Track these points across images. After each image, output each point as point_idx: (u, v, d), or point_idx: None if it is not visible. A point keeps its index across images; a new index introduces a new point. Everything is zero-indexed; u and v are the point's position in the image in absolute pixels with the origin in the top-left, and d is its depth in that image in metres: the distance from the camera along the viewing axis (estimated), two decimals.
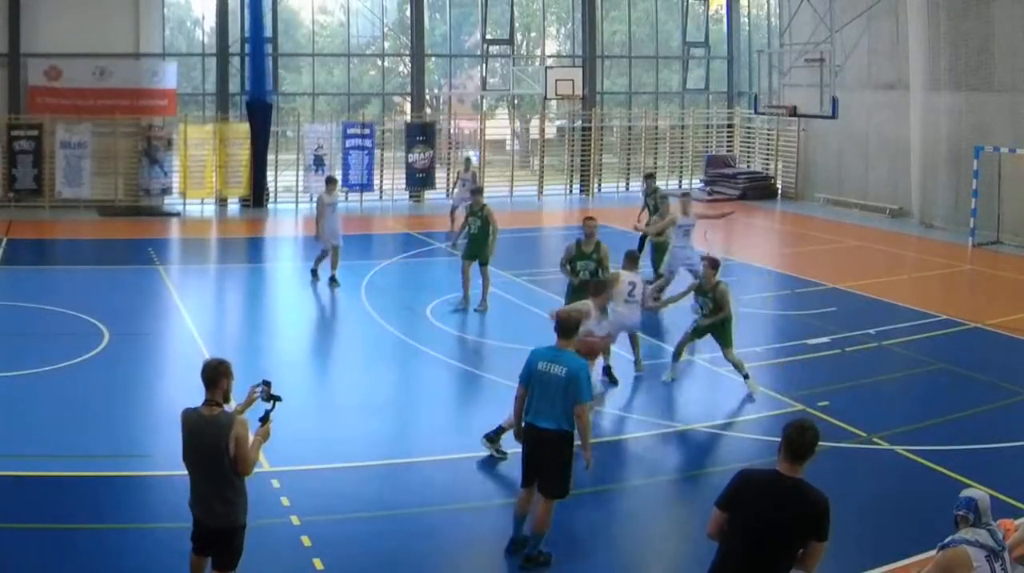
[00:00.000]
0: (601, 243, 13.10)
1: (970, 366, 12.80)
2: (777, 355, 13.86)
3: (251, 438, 6.46)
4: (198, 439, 6.45)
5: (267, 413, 6.61)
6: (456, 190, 23.63)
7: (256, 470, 9.02)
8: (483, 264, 16.04)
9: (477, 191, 17.02)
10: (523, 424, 7.79)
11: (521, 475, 7.87)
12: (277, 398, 6.66)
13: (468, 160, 24.70)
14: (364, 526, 8.49)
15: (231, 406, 6.66)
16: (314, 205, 20.09)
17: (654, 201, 19.71)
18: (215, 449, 6.34)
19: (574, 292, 12.80)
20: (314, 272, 18.02)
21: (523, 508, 7.91)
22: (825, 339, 14.30)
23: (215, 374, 6.45)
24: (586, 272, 12.90)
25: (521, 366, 7.89)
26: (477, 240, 16.05)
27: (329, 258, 17.68)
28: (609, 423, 10.89)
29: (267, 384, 6.71)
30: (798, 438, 5.40)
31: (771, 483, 5.41)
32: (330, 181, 18.60)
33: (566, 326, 7.77)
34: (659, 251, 16.94)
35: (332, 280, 17.61)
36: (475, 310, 15.93)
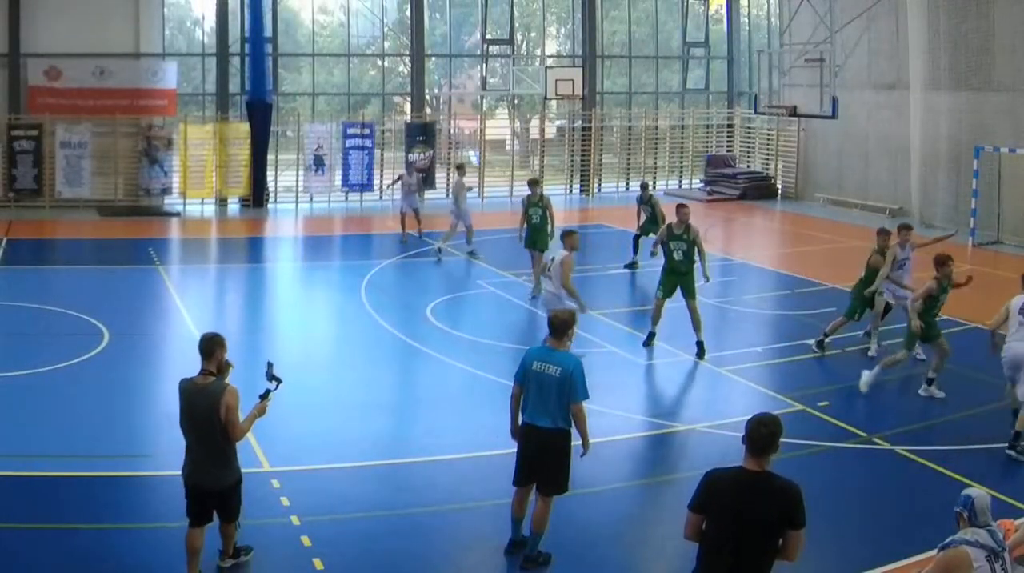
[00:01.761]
0: (691, 226, 13.80)
1: (970, 366, 12.79)
2: (777, 355, 13.85)
3: (246, 409, 7.04)
4: (192, 406, 7.00)
5: (267, 391, 7.18)
6: (402, 191, 22.56)
7: (256, 470, 9.11)
8: (541, 251, 16.90)
9: (535, 183, 18.13)
10: (521, 423, 7.80)
11: (514, 474, 7.87)
12: (279, 379, 7.21)
13: (461, 166, 24.35)
14: (364, 526, 8.49)
15: (226, 377, 7.18)
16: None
17: (650, 207, 19.85)
18: (207, 416, 6.89)
19: (670, 273, 13.72)
20: (439, 250, 20.33)
21: (519, 509, 7.92)
22: (825, 339, 14.29)
23: (209, 345, 7.10)
24: (679, 252, 13.66)
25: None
26: (539, 229, 17.23)
27: (466, 234, 20.28)
28: (609, 423, 10.88)
29: (270, 365, 7.26)
30: (755, 433, 5.48)
31: (739, 480, 5.47)
32: (462, 167, 21.78)
33: (558, 326, 7.77)
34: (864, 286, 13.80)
35: (472, 254, 20.25)
36: (532, 296, 16.66)
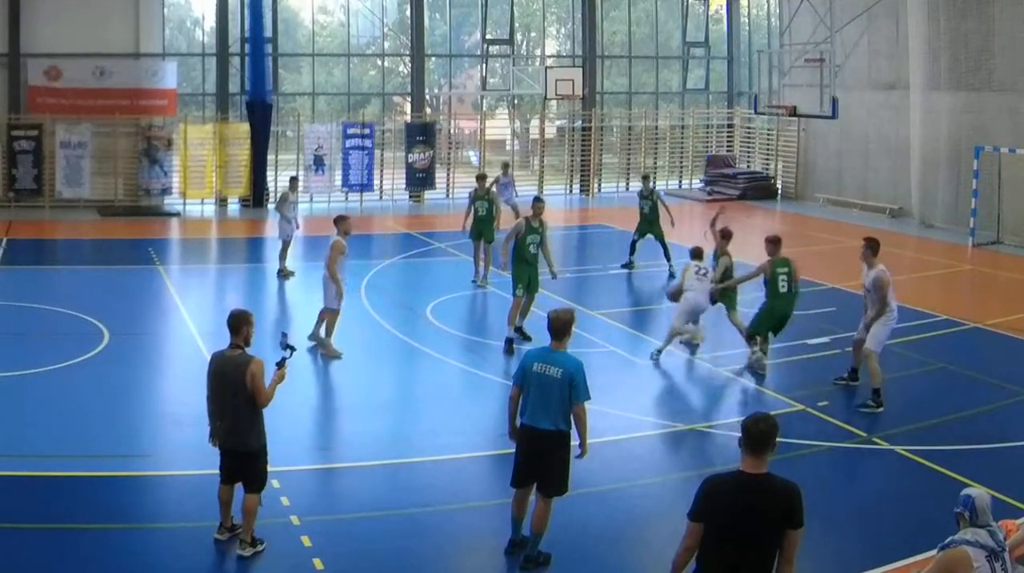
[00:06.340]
0: (544, 221, 14.19)
1: (970, 366, 12.79)
2: (777, 355, 13.83)
3: (268, 378, 7.68)
4: (221, 375, 7.72)
5: (283, 359, 7.79)
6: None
7: None
8: (488, 242, 17.93)
9: (483, 178, 19.03)
10: (520, 425, 7.78)
11: (513, 476, 7.86)
12: (292, 347, 7.90)
13: (506, 165, 24.00)
14: (364, 526, 8.49)
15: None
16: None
17: (651, 202, 19.52)
18: (235, 384, 7.57)
19: (525, 266, 13.97)
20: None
21: (519, 509, 7.91)
22: (825, 339, 14.30)
23: (238, 322, 7.83)
24: (533, 246, 13.94)
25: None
26: (485, 222, 18.03)
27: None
28: (609, 423, 10.89)
29: (284, 335, 8.00)
30: (753, 429, 5.41)
31: (738, 484, 5.42)
32: (506, 165, 23.24)
33: (558, 327, 7.76)
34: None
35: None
36: (472, 281, 17.77)
